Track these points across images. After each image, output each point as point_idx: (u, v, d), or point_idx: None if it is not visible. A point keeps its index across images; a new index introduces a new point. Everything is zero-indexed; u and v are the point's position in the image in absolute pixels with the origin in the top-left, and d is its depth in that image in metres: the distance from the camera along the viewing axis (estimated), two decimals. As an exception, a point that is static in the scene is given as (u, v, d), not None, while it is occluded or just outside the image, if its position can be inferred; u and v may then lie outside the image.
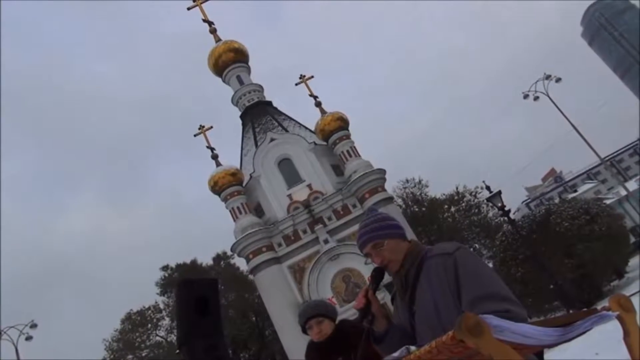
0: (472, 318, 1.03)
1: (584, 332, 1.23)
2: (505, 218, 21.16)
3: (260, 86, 31.93)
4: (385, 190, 26.65)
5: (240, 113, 31.31)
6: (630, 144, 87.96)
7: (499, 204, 20.36)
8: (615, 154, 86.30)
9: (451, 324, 1.09)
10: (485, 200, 29.63)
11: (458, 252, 1.88)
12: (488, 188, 23.24)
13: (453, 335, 1.03)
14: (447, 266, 1.84)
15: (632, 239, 33.51)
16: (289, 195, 26.01)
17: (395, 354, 1.33)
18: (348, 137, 27.15)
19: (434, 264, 1.89)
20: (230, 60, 31.42)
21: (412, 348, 1.26)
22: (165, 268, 37.11)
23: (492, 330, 1.03)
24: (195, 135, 27.87)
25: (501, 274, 19.85)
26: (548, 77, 28.99)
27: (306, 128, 29.17)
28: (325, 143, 27.26)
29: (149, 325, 36.34)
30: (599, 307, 1.27)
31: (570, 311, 16.87)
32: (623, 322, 1.22)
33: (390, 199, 27.11)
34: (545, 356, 1.75)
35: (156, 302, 36.67)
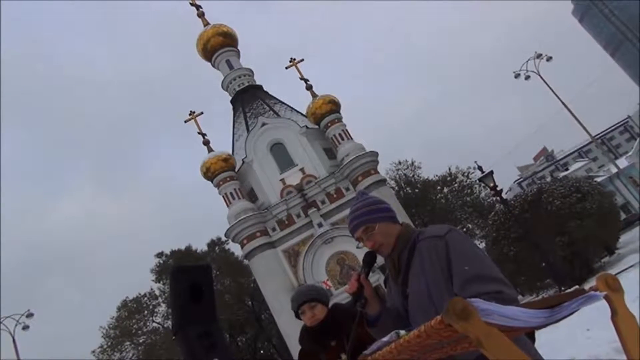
0: (459, 302, 1.04)
1: (571, 313, 1.24)
2: (498, 198, 21.30)
3: (251, 70, 31.71)
4: (378, 172, 26.70)
5: (230, 98, 31.12)
6: (621, 121, 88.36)
7: (491, 184, 20.46)
8: (606, 132, 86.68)
9: (443, 307, 1.09)
10: (477, 181, 29.78)
11: (449, 234, 1.89)
12: (480, 168, 23.35)
13: (441, 319, 1.04)
14: (439, 249, 1.85)
15: (623, 216, 33.94)
16: (282, 180, 26.00)
17: (385, 339, 1.34)
18: (340, 120, 27.09)
19: (426, 247, 1.90)
20: (219, 45, 31.13)
21: (402, 332, 1.27)
22: (159, 255, 37.12)
23: (480, 314, 1.04)
24: (185, 122, 27.72)
25: (494, 253, 20.11)
26: (539, 56, 29.04)
27: (297, 112, 29.05)
28: (317, 126, 27.20)
29: (145, 312, 36.47)
30: (586, 288, 1.28)
31: (562, 288, 17.16)
32: (611, 302, 1.24)
33: (383, 181, 27.18)
34: (537, 333, 1.77)
35: (152, 289, 36.74)
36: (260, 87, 31.20)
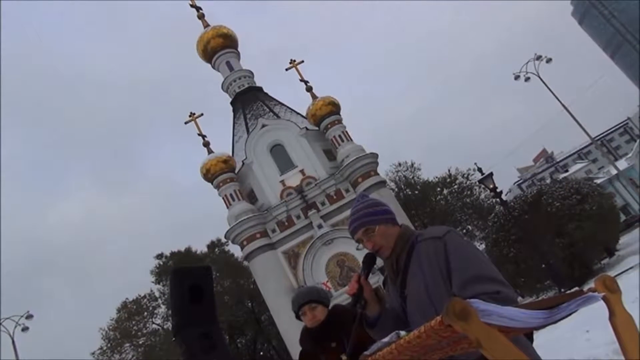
0: (459, 303, 1.05)
1: (570, 314, 1.25)
2: (498, 199, 21.32)
3: (251, 72, 31.74)
4: (377, 174, 26.71)
5: (230, 99, 31.14)
6: (620, 123, 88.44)
7: (491, 186, 20.48)
8: (605, 133, 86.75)
9: (443, 307, 1.10)
10: (477, 182, 29.81)
11: (448, 235, 1.90)
12: (480, 170, 23.37)
13: (441, 320, 1.06)
14: (438, 250, 1.87)
15: (623, 218, 33.97)
16: (282, 181, 26.01)
17: (386, 339, 1.35)
18: (340, 121, 27.10)
19: (425, 248, 1.91)
20: (219, 46, 31.15)
21: (402, 333, 1.28)
22: (159, 256, 37.13)
23: (479, 315, 1.05)
24: (186, 123, 27.73)
25: (494, 254, 20.10)
26: (539, 57, 29.04)
27: (297, 113, 29.07)
28: (317, 128, 27.21)
29: (145, 313, 36.47)
30: (585, 289, 1.29)
31: (562, 290, 17.15)
32: (609, 303, 1.25)
33: (383, 183, 27.19)
34: (536, 334, 1.78)
35: (151, 291, 36.76)
36: (260, 88, 31.22)
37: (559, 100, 28.73)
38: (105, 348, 34.99)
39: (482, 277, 1.73)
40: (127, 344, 35.39)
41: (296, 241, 25.08)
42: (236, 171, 26.63)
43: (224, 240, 33.08)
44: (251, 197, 26.64)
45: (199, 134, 27.26)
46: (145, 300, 36.64)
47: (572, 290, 1.52)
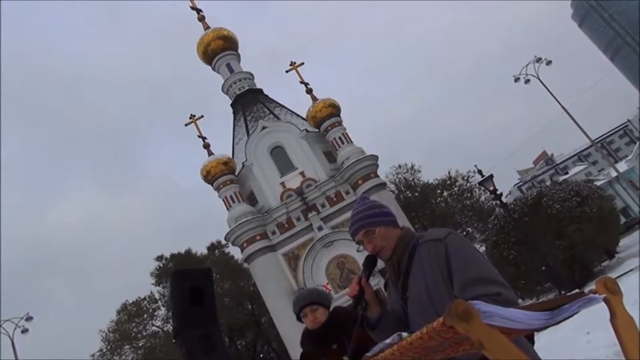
0: (461, 304, 1.06)
1: (571, 315, 1.26)
2: (498, 201, 21.32)
3: (251, 74, 31.79)
4: (378, 176, 26.72)
5: (231, 101, 31.18)
6: (621, 125, 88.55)
7: (491, 188, 20.49)
8: (605, 136, 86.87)
9: (444, 309, 1.11)
10: (477, 184, 29.82)
11: (449, 237, 1.90)
12: (480, 172, 23.36)
13: (443, 321, 1.06)
14: (439, 252, 1.87)
15: (623, 220, 33.99)
16: (282, 183, 26.02)
17: (388, 340, 1.35)
18: (340, 123, 27.12)
19: (426, 250, 1.92)
20: (219, 48, 31.20)
21: (404, 334, 1.28)
22: (159, 258, 37.16)
23: (481, 316, 1.06)
24: (186, 125, 27.78)
25: (494, 256, 20.09)
26: (539, 59, 29.06)
27: (298, 115, 29.11)
28: (317, 130, 27.24)
29: (145, 315, 36.49)
30: (586, 291, 1.29)
31: (562, 292, 17.14)
32: (610, 305, 1.25)
33: (383, 185, 27.20)
34: (537, 335, 1.79)
35: (151, 293, 36.78)
36: (260, 90, 31.26)
37: (559, 102, 28.74)
38: (105, 350, 35.02)
39: (483, 279, 1.74)
40: (127, 346, 35.41)
41: (296, 243, 25.08)
42: (236, 173, 26.65)
43: (224, 242, 33.11)
44: (251, 199, 26.65)
45: (199, 136, 27.30)
46: (145, 302, 36.67)
47: (573, 292, 1.53)
